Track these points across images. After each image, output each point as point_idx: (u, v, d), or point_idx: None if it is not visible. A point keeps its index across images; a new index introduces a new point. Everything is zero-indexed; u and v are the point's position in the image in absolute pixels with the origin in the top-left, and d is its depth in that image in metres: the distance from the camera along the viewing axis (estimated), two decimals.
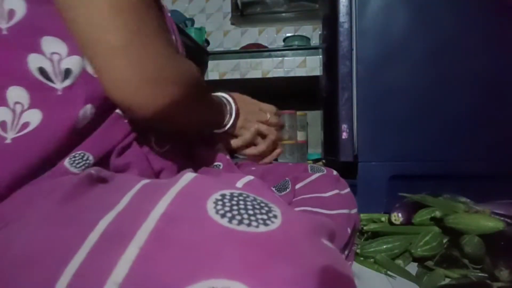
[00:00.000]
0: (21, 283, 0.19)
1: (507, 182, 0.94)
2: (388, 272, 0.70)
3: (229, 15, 2.11)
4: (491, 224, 0.69)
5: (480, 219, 0.71)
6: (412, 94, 1.01)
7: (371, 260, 0.75)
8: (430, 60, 1.01)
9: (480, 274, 0.65)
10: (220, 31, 2.14)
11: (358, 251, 0.76)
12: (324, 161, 1.42)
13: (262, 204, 0.21)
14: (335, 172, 0.67)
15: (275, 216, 0.20)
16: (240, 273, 0.16)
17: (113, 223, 0.20)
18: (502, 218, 0.72)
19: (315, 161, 1.61)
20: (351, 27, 1.02)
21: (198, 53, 1.66)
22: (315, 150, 1.89)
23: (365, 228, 0.84)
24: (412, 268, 0.72)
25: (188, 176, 0.23)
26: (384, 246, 0.76)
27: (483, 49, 0.99)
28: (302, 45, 1.76)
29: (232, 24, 2.13)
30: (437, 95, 1.01)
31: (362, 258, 0.76)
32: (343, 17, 1.03)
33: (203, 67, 1.71)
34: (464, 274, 0.65)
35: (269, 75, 1.68)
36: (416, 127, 1.01)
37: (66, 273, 0.18)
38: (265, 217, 0.20)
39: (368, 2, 1.01)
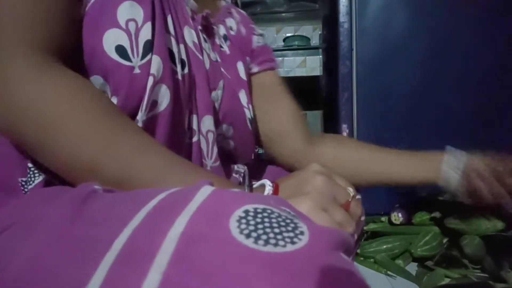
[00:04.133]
0: None
1: None
2: (388, 272, 0.70)
3: None
4: (492, 224, 0.69)
5: (480, 219, 0.71)
6: (412, 94, 1.01)
7: (371, 260, 0.75)
8: (430, 60, 1.01)
9: (480, 274, 0.65)
10: None
11: (358, 251, 0.76)
12: None
13: (288, 221, 0.20)
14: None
15: (301, 233, 0.19)
16: None
17: (129, 242, 0.18)
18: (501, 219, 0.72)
19: None
20: (351, 27, 1.02)
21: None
22: None
23: (365, 228, 0.84)
24: (412, 268, 0.72)
25: (206, 189, 0.22)
26: (384, 246, 0.76)
27: (483, 49, 0.99)
28: (302, 45, 1.76)
29: None
30: (437, 95, 1.01)
31: (362, 258, 0.76)
32: (343, 17, 1.03)
33: None
34: (464, 274, 0.65)
35: None
36: (416, 127, 1.01)
37: None
38: (291, 234, 0.19)
39: (368, 2, 1.01)
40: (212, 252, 0.17)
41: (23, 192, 0.32)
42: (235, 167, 0.52)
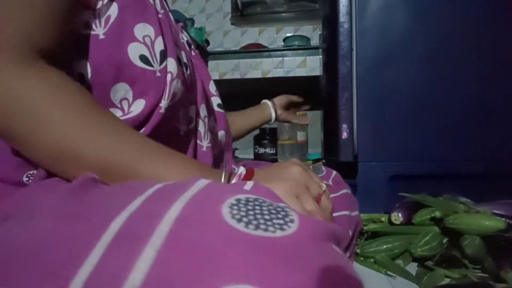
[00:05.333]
0: (27, 276, 0.19)
1: (507, 182, 0.94)
2: (388, 272, 0.70)
3: (229, 15, 2.11)
4: (492, 223, 0.69)
5: (480, 219, 0.71)
6: (412, 94, 1.01)
7: (371, 260, 0.75)
8: (430, 60, 1.01)
9: (480, 274, 0.65)
10: (220, 31, 2.14)
11: (358, 251, 0.76)
12: (324, 161, 1.42)
13: (279, 209, 0.21)
14: (334, 173, 0.67)
15: (292, 221, 0.20)
16: (258, 279, 0.16)
17: (126, 224, 0.19)
18: (502, 219, 0.72)
19: (315, 161, 1.61)
20: (351, 27, 1.02)
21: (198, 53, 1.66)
22: (315, 150, 1.89)
23: (365, 228, 0.84)
24: (412, 268, 0.72)
25: (202, 182, 0.23)
26: (384, 246, 0.76)
27: (483, 49, 0.99)
28: (302, 45, 1.76)
29: (232, 24, 2.13)
30: (437, 95, 1.00)
31: (362, 258, 0.76)
32: (343, 17, 1.03)
33: None
34: (464, 274, 0.65)
35: (269, 75, 1.68)
36: (416, 127, 1.01)
37: (81, 273, 0.17)
38: (281, 221, 0.20)
39: (368, 2, 1.01)
40: (205, 233, 0.18)
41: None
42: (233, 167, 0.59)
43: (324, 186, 0.39)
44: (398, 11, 1.01)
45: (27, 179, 0.35)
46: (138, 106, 0.41)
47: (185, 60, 0.49)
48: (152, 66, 0.41)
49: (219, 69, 1.72)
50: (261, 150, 1.71)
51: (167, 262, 0.17)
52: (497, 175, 0.97)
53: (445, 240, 0.74)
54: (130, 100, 0.41)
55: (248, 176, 0.37)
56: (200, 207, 0.20)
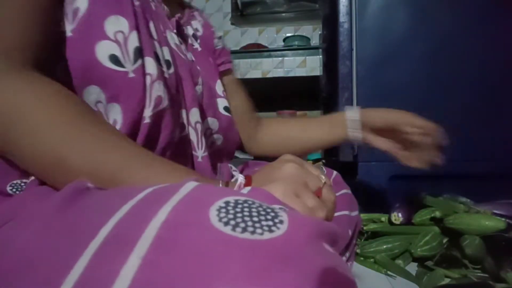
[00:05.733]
0: (19, 285, 0.19)
1: (507, 182, 0.94)
2: (388, 272, 0.70)
3: (229, 15, 2.11)
4: (492, 223, 0.69)
5: (480, 219, 0.71)
6: (412, 94, 1.01)
7: (371, 260, 0.75)
8: (430, 60, 1.01)
9: (480, 274, 0.65)
10: (220, 31, 2.14)
11: (358, 251, 0.76)
12: (324, 161, 1.42)
13: (268, 210, 0.20)
14: (335, 173, 0.67)
15: (281, 222, 0.20)
16: (242, 282, 0.16)
17: (113, 231, 0.19)
18: (502, 219, 0.72)
19: (315, 161, 1.61)
20: (351, 27, 1.02)
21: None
22: None
23: (365, 228, 0.84)
24: (412, 268, 0.72)
25: (191, 184, 0.23)
26: (384, 246, 0.76)
27: (483, 49, 0.99)
28: (302, 45, 1.76)
29: (232, 24, 2.12)
30: (437, 95, 1.00)
31: (362, 258, 0.76)
32: (343, 17, 1.03)
33: None
34: (464, 274, 0.65)
35: (269, 75, 1.68)
36: None
37: (67, 281, 0.17)
38: (270, 223, 0.19)
39: (368, 2, 1.01)
40: (190, 238, 0.18)
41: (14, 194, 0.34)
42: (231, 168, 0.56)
43: (323, 178, 0.37)
44: (398, 11, 1.01)
45: (11, 188, 0.34)
46: (115, 113, 0.38)
47: (167, 57, 0.44)
48: (123, 66, 0.37)
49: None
50: None
51: (152, 267, 0.17)
52: (497, 175, 0.97)
53: (445, 240, 0.74)
54: (104, 103, 0.38)
55: (248, 184, 0.35)
56: (187, 210, 0.20)
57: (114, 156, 0.31)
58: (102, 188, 0.28)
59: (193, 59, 0.53)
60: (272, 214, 0.20)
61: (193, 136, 0.48)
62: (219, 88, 0.57)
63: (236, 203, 0.21)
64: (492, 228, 0.69)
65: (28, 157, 0.30)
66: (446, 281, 0.65)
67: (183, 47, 0.51)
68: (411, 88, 1.01)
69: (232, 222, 0.19)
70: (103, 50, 0.36)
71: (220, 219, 0.19)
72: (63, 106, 0.31)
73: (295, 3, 1.98)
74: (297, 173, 0.34)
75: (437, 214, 0.76)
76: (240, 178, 0.36)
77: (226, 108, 0.56)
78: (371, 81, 1.02)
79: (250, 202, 0.21)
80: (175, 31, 0.50)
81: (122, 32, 0.38)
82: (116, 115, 0.38)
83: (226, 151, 0.58)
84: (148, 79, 0.39)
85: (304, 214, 0.30)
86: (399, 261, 0.73)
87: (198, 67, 0.53)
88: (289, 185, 0.32)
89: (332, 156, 1.15)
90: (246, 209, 0.20)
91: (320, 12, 1.61)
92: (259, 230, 0.19)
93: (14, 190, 0.34)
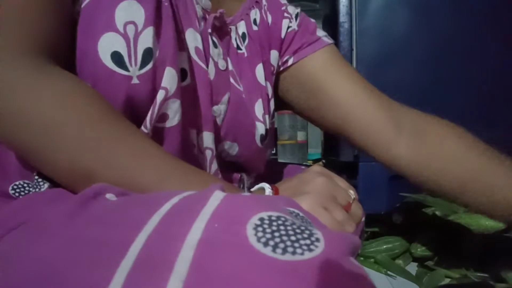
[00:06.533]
0: None
1: None
2: (388, 272, 0.70)
3: None
4: (492, 223, 0.69)
5: (480, 219, 0.71)
6: (412, 94, 1.01)
7: (371, 260, 0.75)
8: (430, 60, 1.01)
9: (480, 274, 0.65)
10: None
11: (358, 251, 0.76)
12: (324, 161, 1.42)
13: (303, 228, 0.20)
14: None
15: (317, 240, 0.19)
16: None
17: (145, 248, 0.18)
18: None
19: (315, 161, 1.61)
20: (351, 27, 1.02)
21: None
22: (315, 150, 1.89)
23: (365, 228, 0.84)
24: (412, 268, 0.72)
25: (219, 194, 0.21)
26: (384, 246, 0.76)
27: (484, 49, 0.99)
28: None
29: None
30: (438, 95, 1.00)
31: (362, 258, 0.76)
32: (343, 17, 1.03)
33: None
34: (464, 274, 0.65)
35: None
36: None
37: None
38: (308, 242, 0.18)
39: (368, 2, 1.01)
40: (231, 260, 0.17)
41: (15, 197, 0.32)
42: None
43: (353, 193, 0.36)
44: (398, 11, 1.01)
45: (13, 191, 0.32)
46: None
47: (184, 65, 0.36)
48: (126, 69, 0.31)
49: None
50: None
51: None
52: None
53: (445, 240, 0.74)
54: None
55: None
56: (223, 228, 0.19)
57: (149, 172, 0.28)
58: (124, 193, 0.26)
59: (230, 68, 0.43)
60: (308, 232, 0.19)
61: (201, 161, 0.40)
62: (258, 109, 0.44)
63: (270, 220, 0.19)
64: (492, 228, 0.69)
65: (53, 167, 0.28)
66: (446, 281, 0.65)
67: (216, 52, 0.41)
68: (411, 88, 1.01)
69: (271, 243, 0.18)
70: (107, 44, 0.31)
71: (258, 239, 0.18)
72: (92, 110, 0.28)
73: (295, 3, 1.98)
74: (326, 187, 0.33)
75: (437, 214, 0.76)
76: (268, 190, 0.34)
77: (262, 137, 0.44)
78: (371, 81, 1.02)
79: (283, 219, 0.20)
80: (209, 30, 0.40)
81: (134, 23, 0.31)
82: None
83: (247, 169, 0.48)
84: (162, 94, 0.32)
85: (334, 229, 0.29)
86: (399, 261, 0.74)
87: (233, 81, 0.42)
88: (318, 198, 0.31)
89: (332, 155, 1.15)
90: (282, 227, 0.19)
91: (320, 12, 1.61)
92: (299, 250, 0.18)
93: (17, 193, 0.32)
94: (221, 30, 0.42)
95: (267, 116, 0.45)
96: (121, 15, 0.31)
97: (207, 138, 0.39)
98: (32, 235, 0.22)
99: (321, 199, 0.31)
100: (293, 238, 0.18)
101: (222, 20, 0.41)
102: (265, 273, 0.16)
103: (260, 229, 0.19)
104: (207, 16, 0.40)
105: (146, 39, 0.31)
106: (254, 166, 0.47)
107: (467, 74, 0.99)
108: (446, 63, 1.00)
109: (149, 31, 0.31)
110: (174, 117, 0.34)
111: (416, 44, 1.00)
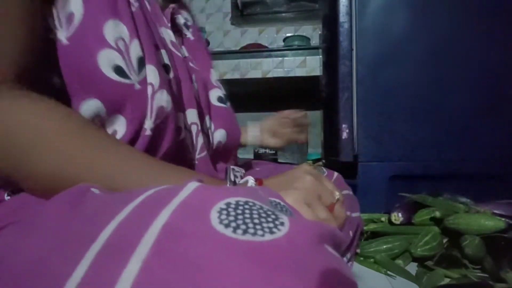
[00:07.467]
0: None
1: (507, 182, 0.94)
2: (388, 272, 0.70)
3: (229, 15, 2.11)
4: (492, 223, 0.69)
5: (480, 219, 0.71)
6: (412, 94, 1.01)
7: (371, 260, 0.75)
8: (430, 60, 1.01)
9: (480, 274, 0.65)
10: (220, 31, 2.14)
11: (358, 251, 0.76)
12: (324, 161, 1.42)
13: (269, 212, 0.20)
14: (336, 174, 0.66)
15: (282, 224, 0.19)
16: (244, 286, 0.16)
17: (114, 234, 0.19)
18: (502, 219, 0.72)
19: (315, 161, 1.61)
20: (351, 27, 1.02)
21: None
22: (315, 150, 1.89)
23: (365, 228, 0.84)
24: (412, 268, 0.72)
25: (192, 185, 0.22)
26: (384, 246, 0.76)
27: (483, 49, 0.99)
28: (302, 45, 1.76)
29: (232, 24, 2.13)
30: (437, 95, 1.00)
31: (362, 258, 0.76)
32: (343, 17, 1.03)
33: None
34: (464, 274, 0.65)
35: (269, 75, 1.68)
36: (416, 127, 1.01)
37: (68, 285, 0.17)
38: (271, 225, 0.19)
39: (368, 2, 1.01)
40: (192, 241, 0.18)
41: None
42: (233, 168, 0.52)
43: (338, 194, 0.37)
44: (398, 11, 1.01)
45: (8, 198, 0.32)
46: (117, 124, 0.36)
47: (166, 60, 0.41)
48: (128, 78, 0.35)
49: (219, 69, 1.72)
50: (261, 150, 1.71)
51: (152, 272, 0.17)
52: (497, 175, 0.97)
53: (445, 240, 0.74)
54: (104, 115, 0.35)
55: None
56: (187, 213, 0.20)
57: (133, 176, 0.30)
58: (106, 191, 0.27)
59: (186, 54, 0.50)
60: (273, 216, 0.20)
61: (188, 139, 0.45)
62: (213, 77, 0.53)
63: (237, 204, 0.20)
64: (492, 228, 0.69)
65: (40, 184, 0.28)
66: (446, 281, 0.65)
67: (178, 41, 0.47)
68: (411, 88, 1.01)
69: (233, 224, 0.19)
70: (106, 60, 0.33)
71: (221, 221, 0.19)
72: (72, 126, 0.29)
73: (295, 3, 1.98)
74: (313, 185, 0.35)
75: (437, 214, 0.76)
76: (251, 181, 0.36)
77: (220, 99, 0.52)
78: (371, 81, 1.02)
79: (251, 204, 0.21)
80: (169, 24, 0.46)
81: (123, 39, 0.35)
82: (118, 126, 0.36)
83: (232, 148, 0.55)
84: (150, 90, 0.36)
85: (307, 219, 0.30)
86: (399, 261, 0.73)
87: (192, 62, 0.50)
88: (303, 195, 0.33)
89: (332, 156, 1.15)
90: (247, 211, 0.20)
91: (320, 12, 1.61)
92: (260, 232, 0.19)
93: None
94: (173, 22, 0.49)
95: (218, 83, 0.55)
96: (109, 32, 0.34)
97: (192, 114, 0.45)
98: (24, 233, 0.23)
99: (306, 196, 0.33)
100: (256, 221, 0.19)
101: (172, 14, 0.48)
102: (224, 251, 0.17)
103: (224, 212, 0.19)
104: (163, 12, 0.46)
105: (136, 50, 0.36)
106: (234, 140, 0.55)
107: (466, 74, 1.00)
108: (446, 63, 1.00)
109: (136, 43, 0.36)
110: (167, 107, 0.39)
111: (415, 44, 1.01)
